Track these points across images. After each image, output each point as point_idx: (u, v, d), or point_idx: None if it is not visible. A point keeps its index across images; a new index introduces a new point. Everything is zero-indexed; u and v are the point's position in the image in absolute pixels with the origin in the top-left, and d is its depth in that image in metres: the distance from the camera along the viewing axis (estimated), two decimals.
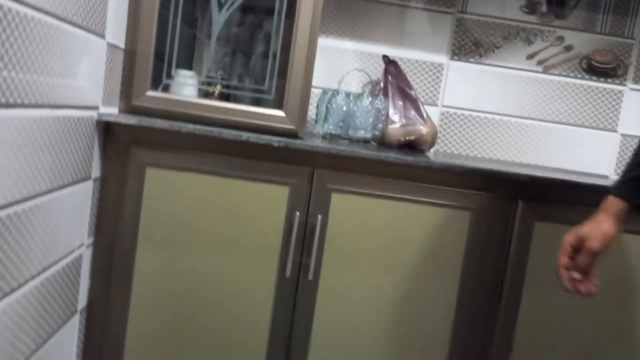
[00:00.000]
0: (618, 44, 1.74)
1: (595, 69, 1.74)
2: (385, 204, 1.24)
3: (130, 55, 1.26)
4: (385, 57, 1.65)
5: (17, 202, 0.86)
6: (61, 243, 1.06)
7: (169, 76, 1.32)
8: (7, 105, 0.79)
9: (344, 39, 1.72)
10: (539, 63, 1.74)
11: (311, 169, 1.23)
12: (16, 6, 0.78)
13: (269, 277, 1.24)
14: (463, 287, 1.27)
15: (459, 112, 1.76)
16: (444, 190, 1.25)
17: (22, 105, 0.84)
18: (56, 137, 0.97)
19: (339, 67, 1.73)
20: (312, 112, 1.70)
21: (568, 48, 1.74)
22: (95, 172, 1.19)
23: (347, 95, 1.55)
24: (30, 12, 0.82)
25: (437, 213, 1.25)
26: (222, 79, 1.41)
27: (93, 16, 1.05)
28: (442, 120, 1.76)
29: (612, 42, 1.74)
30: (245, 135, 1.18)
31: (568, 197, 1.26)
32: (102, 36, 1.11)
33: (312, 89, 1.70)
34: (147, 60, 1.26)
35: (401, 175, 1.24)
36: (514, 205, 1.26)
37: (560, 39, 1.73)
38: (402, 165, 1.23)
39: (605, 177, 1.77)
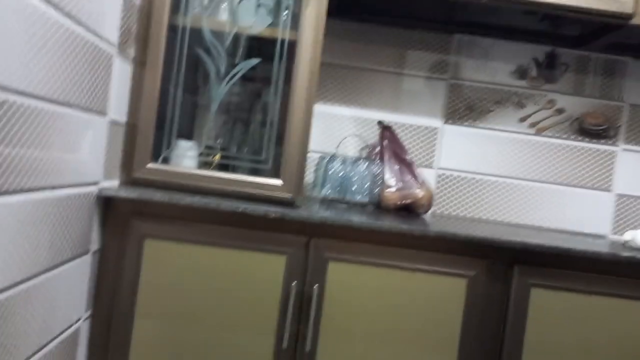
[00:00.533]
0: (608, 106, 1.78)
1: (587, 131, 1.78)
2: (382, 272, 1.25)
3: (131, 128, 1.31)
4: (380, 123, 1.69)
5: (15, 285, 0.88)
6: (59, 319, 1.07)
7: (169, 146, 1.36)
8: (8, 192, 0.82)
9: (341, 105, 1.77)
10: (532, 126, 1.78)
11: (307, 238, 1.25)
12: (16, 98, 0.82)
13: (266, 349, 1.24)
14: (462, 354, 1.26)
15: (455, 174, 1.79)
16: (440, 257, 1.26)
17: (24, 190, 0.86)
18: (56, 215, 0.99)
19: (336, 132, 1.77)
20: (310, 176, 1.74)
21: (559, 111, 1.78)
22: (94, 244, 1.21)
23: (344, 160, 1.59)
24: (32, 102, 0.86)
25: (434, 281, 1.26)
26: (221, 148, 1.45)
27: (96, 97, 1.10)
28: (438, 182, 1.79)
29: (603, 104, 1.78)
30: (242, 207, 1.21)
31: (564, 263, 1.26)
32: (104, 114, 1.15)
33: (310, 153, 1.74)
34: (148, 133, 1.30)
35: (397, 243, 1.26)
36: (511, 272, 1.26)
37: (552, 102, 1.78)
38: (397, 233, 1.25)
39: (603, 236, 1.78)
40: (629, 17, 1.44)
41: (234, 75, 1.36)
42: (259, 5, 1.34)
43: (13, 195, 0.83)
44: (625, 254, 1.25)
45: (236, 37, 1.35)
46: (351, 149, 1.78)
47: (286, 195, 1.32)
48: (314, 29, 1.32)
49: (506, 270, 1.27)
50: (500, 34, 1.74)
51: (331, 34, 1.76)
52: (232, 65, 1.36)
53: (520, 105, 1.78)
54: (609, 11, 1.44)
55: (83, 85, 1.03)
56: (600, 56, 1.78)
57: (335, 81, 1.77)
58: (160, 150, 1.35)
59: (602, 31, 1.59)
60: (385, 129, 1.69)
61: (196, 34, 1.35)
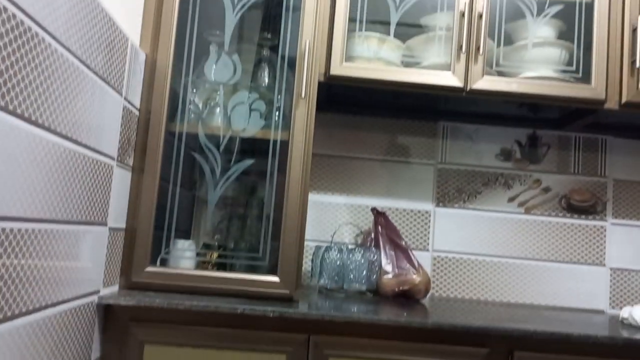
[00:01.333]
0: (593, 182, 1.84)
1: (575, 208, 1.83)
2: None
3: (130, 233, 1.34)
4: (374, 210, 1.74)
5: None
6: None
7: (168, 246, 1.39)
8: (12, 317, 0.84)
9: (334, 194, 1.82)
10: (520, 205, 1.83)
11: (307, 335, 1.25)
12: (15, 225, 0.86)
13: None
14: None
15: (450, 255, 1.81)
16: (440, 349, 1.26)
17: (26, 313, 0.88)
18: (57, 330, 1.01)
19: (331, 220, 1.81)
20: (307, 265, 1.76)
21: (546, 189, 1.84)
22: (96, 353, 1.21)
23: (340, 249, 1.61)
24: (33, 226, 0.90)
25: None
26: (218, 245, 1.48)
27: (96, 209, 1.14)
28: (434, 265, 1.81)
29: (587, 181, 1.84)
30: (240, 308, 1.22)
31: (563, 348, 1.27)
32: (104, 224, 1.19)
33: (306, 242, 1.77)
34: (147, 237, 1.33)
35: (396, 336, 1.26)
36: (510, 359, 1.26)
37: (538, 181, 1.84)
38: (396, 327, 1.26)
39: (601, 312, 1.79)
40: (602, 102, 1.53)
41: (230, 176, 1.41)
42: (251, 110, 1.41)
43: (13, 321, 0.85)
44: (624, 335, 1.26)
45: (231, 140, 1.42)
46: (347, 235, 1.81)
47: (284, 291, 1.34)
48: (305, 128, 1.39)
49: (506, 358, 1.27)
50: (482, 120, 1.82)
51: (321, 125, 1.84)
52: (227, 167, 1.41)
53: (508, 185, 1.83)
54: (583, 98, 1.53)
55: (83, 200, 1.07)
56: (581, 135, 1.86)
57: (327, 170, 1.83)
58: (159, 250, 1.38)
59: (579, 114, 1.68)
60: (379, 215, 1.73)
61: (192, 138, 1.41)
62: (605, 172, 1.85)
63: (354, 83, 1.54)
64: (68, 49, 0.94)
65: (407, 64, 1.60)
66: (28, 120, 0.83)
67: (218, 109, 1.47)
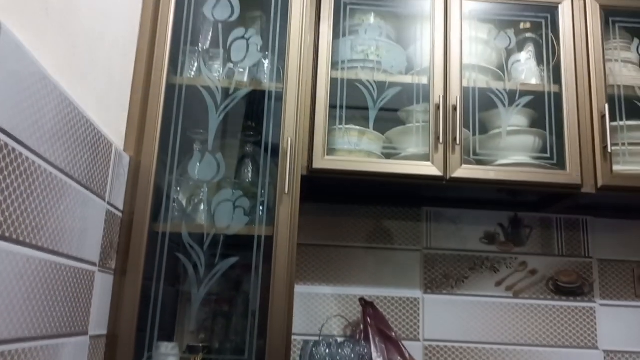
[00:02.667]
0: (578, 263, 1.85)
1: (563, 289, 1.82)
2: None
3: (112, 340, 1.29)
4: (362, 300, 1.71)
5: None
6: None
7: (150, 349, 1.34)
8: None
9: (321, 284, 1.80)
10: (508, 289, 1.82)
11: None
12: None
13: None
14: None
15: (442, 344, 1.77)
16: None
17: None
18: None
19: (318, 311, 1.78)
20: None
21: (532, 272, 1.84)
22: None
23: (329, 344, 1.57)
24: (13, 347, 0.87)
25: None
26: (203, 346, 1.44)
27: (77, 319, 1.10)
28: (425, 355, 1.76)
29: (573, 262, 1.85)
30: None
31: None
32: (85, 333, 1.15)
33: (294, 337, 1.72)
34: (129, 343, 1.29)
35: None
36: None
37: (524, 264, 1.84)
38: None
39: None
40: (579, 187, 1.56)
41: (214, 275, 1.39)
42: (235, 207, 1.42)
43: None
44: None
45: (215, 237, 1.41)
46: (335, 327, 1.77)
47: None
48: (289, 223, 1.40)
49: None
50: (464, 204, 1.85)
51: (305, 213, 1.84)
52: (211, 264, 1.40)
53: (494, 269, 1.83)
54: (559, 183, 1.57)
55: (64, 312, 1.04)
56: (561, 216, 1.88)
57: (313, 260, 1.82)
58: (141, 354, 1.33)
59: (558, 197, 1.71)
60: (367, 306, 1.70)
61: (176, 236, 1.40)
62: (589, 253, 1.86)
63: (336, 175, 1.57)
64: (50, 163, 0.95)
65: (387, 155, 1.64)
66: (6, 239, 0.82)
67: (202, 206, 1.48)
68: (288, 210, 1.41)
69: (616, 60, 1.69)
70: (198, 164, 1.44)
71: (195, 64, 1.54)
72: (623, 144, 1.61)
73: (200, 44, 1.56)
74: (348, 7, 1.69)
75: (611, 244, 1.87)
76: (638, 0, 1.69)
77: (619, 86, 1.65)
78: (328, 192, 1.79)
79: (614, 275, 1.84)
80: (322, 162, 1.55)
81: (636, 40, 1.72)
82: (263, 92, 1.52)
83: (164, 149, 1.43)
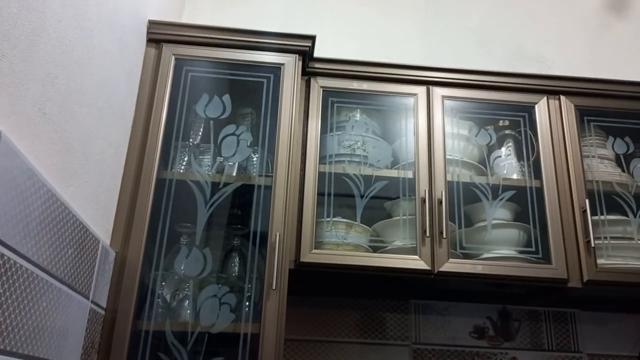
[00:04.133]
0: (569, 358, 1.82)
1: None
2: None
3: None
4: None
5: None
6: None
7: None
8: None
9: None
10: None
11: None
12: None
13: None
14: None
15: None
16: None
17: None
18: None
19: None
20: None
21: None
22: None
23: None
24: None
25: None
26: None
27: None
28: None
29: (563, 357, 1.82)
30: None
31: None
32: None
33: None
34: None
35: None
36: None
37: (514, 359, 1.80)
38: None
39: None
40: (565, 281, 1.57)
41: None
42: (221, 304, 1.39)
43: None
44: None
45: (199, 335, 1.37)
46: None
47: None
48: (276, 319, 1.37)
49: None
50: (452, 296, 1.83)
51: (292, 306, 1.80)
52: None
53: None
54: (546, 277, 1.57)
55: None
56: (549, 310, 1.87)
57: (299, 357, 1.76)
58: None
59: (545, 291, 1.71)
60: None
61: (159, 334, 1.36)
62: (578, 347, 1.83)
63: (323, 268, 1.55)
64: (32, 262, 0.94)
65: (374, 248, 1.64)
66: None
67: (187, 302, 1.45)
68: (275, 306, 1.38)
69: (593, 157, 1.76)
70: (185, 259, 1.43)
71: (186, 158, 1.57)
72: (605, 238, 1.64)
73: (191, 139, 1.60)
74: (335, 105, 1.75)
75: (600, 338, 1.85)
76: (610, 101, 1.78)
77: (597, 181, 1.70)
78: (315, 284, 1.77)
79: None
80: (309, 255, 1.54)
81: (611, 138, 1.80)
82: (252, 185, 1.54)
83: (151, 243, 1.42)
